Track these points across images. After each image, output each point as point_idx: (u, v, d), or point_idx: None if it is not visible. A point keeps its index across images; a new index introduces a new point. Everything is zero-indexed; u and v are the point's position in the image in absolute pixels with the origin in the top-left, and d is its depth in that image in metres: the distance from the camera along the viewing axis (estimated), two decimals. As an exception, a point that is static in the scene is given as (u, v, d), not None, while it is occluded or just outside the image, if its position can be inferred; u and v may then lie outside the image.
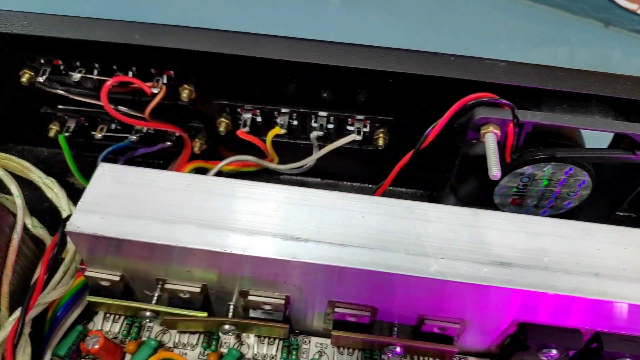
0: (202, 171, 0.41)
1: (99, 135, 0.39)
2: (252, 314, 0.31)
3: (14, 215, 0.30)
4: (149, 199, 0.29)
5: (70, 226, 0.28)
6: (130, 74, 0.35)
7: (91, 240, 0.28)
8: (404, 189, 0.44)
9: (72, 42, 0.33)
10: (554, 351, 0.28)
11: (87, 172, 0.40)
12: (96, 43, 0.32)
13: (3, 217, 0.28)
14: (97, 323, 0.33)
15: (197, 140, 0.40)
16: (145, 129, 0.40)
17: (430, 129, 0.33)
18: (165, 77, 0.35)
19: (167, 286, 0.31)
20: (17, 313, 0.28)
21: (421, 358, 0.33)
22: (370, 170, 0.42)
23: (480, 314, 0.29)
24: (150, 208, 0.28)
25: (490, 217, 0.29)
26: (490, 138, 0.31)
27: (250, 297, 0.30)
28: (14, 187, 0.30)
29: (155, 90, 0.35)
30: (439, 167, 0.38)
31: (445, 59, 0.33)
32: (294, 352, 0.33)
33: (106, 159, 0.40)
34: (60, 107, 0.40)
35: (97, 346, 0.30)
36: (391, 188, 0.44)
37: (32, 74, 0.36)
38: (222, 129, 0.38)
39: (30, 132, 0.43)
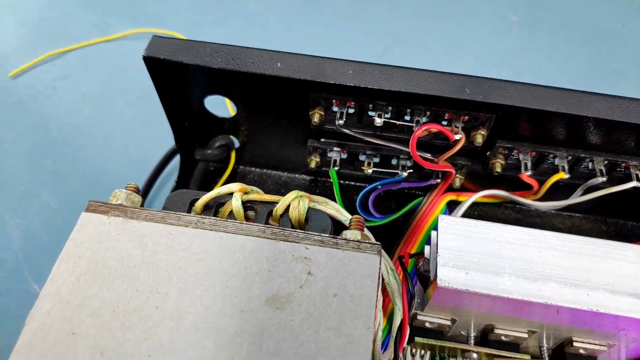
0: (455, 203, 0.43)
1: (369, 171, 0.41)
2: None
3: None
4: (501, 255, 0.31)
5: (441, 282, 0.30)
6: (424, 119, 0.37)
7: (457, 295, 0.30)
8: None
9: (397, 94, 0.34)
10: None
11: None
12: (422, 96, 0.34)
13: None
14: None
15: (458, 175, 0.42)
16: (412, 162, 0.41)
17: None
18: (461, 121, 0.37)
19: (496, 331, 0.33)
20: (389, 355, 0.30)
21: None
22: (617, 207, 0.43)
23: None
24: (507, 264, 0.30)
25: None
26: None
27: (575, 344, 0.32)
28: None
29: (457, 137, 0.36)
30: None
31: None
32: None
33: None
34: (322, 140, 0.42)
35: (435, 386, 0.32)
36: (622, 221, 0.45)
37: (322, 114, 0.38)
38: (498, 169, 0.39)
39: (291, 161, 0.45)
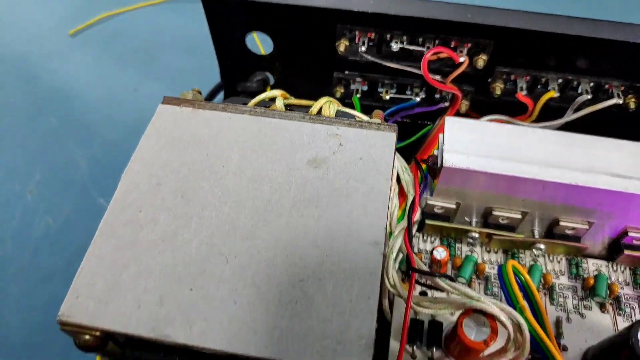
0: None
1: (387, 97, 0.48)
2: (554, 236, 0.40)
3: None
4: (498, 144, 0.37)
5: (446, 162, 0.36)
6: (432, 45, 0.44)
7: (459, 174, 0.37)
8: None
9: (411, 19, 0.41)
10: None
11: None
12: (433, 20, 0.40)
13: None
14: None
15: (464, 101, 0.48)
16: (424, 92, 0.48)
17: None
18: (465, 48, 0.43)
19: (494, 213, 0.39)
20: (403, 226, 0.36)
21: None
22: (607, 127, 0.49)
23: None
24: (502, 150, 0.37)
25: None
26: None
27: (561, 224, 0.39)
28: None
29: (461, 60, 0.43)
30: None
31: None
32: (577, 269, 0.41)
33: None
34: (346, 72, 0.49)
35: (445, 257, 0.39)
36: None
37: (347, 44, 0.45)
38: (497, 92, 0.46)
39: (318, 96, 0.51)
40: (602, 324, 0.38)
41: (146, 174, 0.32)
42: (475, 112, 0.50)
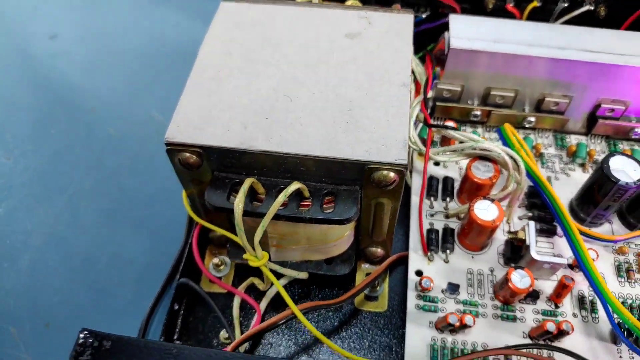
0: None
1: (398, 13, 0.57)
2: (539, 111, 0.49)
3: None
4: (495, 32, 0.46)
5: (452, 44, 0.45)
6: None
7: (463, 55, 0.45)
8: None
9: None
10: None
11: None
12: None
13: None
14: (428, 126, 0.51)
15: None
16: (428, 10, 0.57)
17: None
18: (464, -35, 0.52)
19: (492, 93, 0.48)
20: (420, 98, 0.45)
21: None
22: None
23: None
24: (498, 36, 0.46)
25: None
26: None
27: (546, 99, 0.48)
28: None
29: (459, -26, 0.52)
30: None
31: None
32: (562, 141, 0.50)
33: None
34: (363, -4, 0.57)
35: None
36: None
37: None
38: (490, 5, 0.55)
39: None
40: (584, 180, 0.47)
41: (218, 46, 0.40)
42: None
